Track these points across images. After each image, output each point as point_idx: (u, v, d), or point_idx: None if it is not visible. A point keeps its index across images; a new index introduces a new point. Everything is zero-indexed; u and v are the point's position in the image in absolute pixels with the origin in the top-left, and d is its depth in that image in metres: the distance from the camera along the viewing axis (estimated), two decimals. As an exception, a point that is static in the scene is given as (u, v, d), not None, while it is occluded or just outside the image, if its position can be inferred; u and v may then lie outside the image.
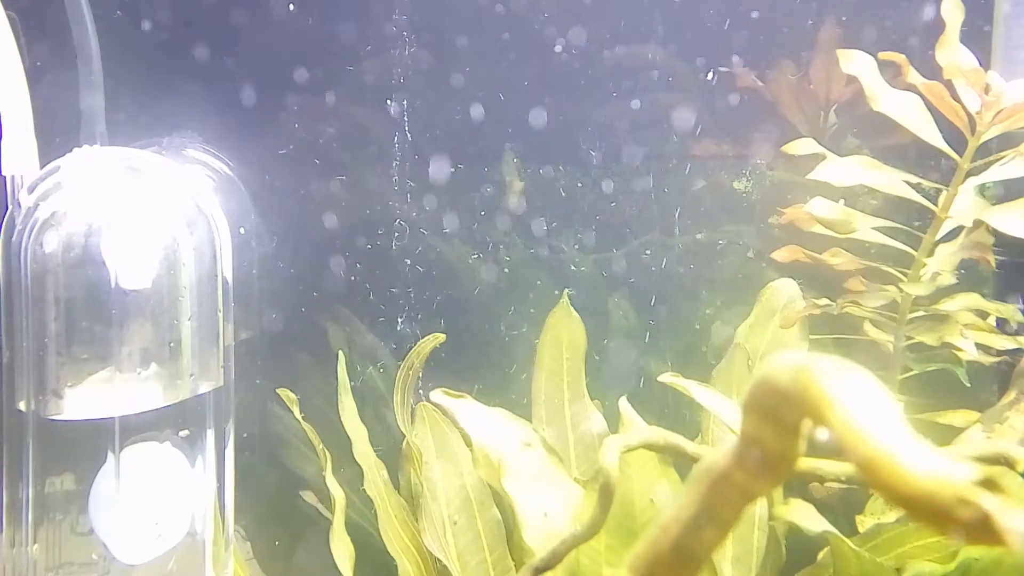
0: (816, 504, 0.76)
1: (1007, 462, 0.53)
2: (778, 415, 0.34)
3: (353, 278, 1.08)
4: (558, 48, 1.08)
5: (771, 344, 0.93)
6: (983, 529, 0.26)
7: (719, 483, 0.38)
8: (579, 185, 1.10)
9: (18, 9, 0.74)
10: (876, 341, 0.93)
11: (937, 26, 0.85)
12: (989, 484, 0.26)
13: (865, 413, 0.29)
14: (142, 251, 0.70)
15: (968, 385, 0.92)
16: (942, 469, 0.27)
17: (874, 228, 0.90)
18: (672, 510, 0.40)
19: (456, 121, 1.08)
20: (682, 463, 0.75)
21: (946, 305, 0.90)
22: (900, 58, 0.83)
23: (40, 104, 0.75)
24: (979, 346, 0.87)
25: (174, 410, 0.72)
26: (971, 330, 0.88)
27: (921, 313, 0.92)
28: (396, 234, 1.08)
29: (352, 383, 0.93)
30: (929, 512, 0.27)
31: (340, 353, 0.95)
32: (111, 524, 0.69)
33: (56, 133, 0.75)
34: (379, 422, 1.03)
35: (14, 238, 0.68)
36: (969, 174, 0.86)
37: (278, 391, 0.94)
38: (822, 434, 0.32)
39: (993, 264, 0.88)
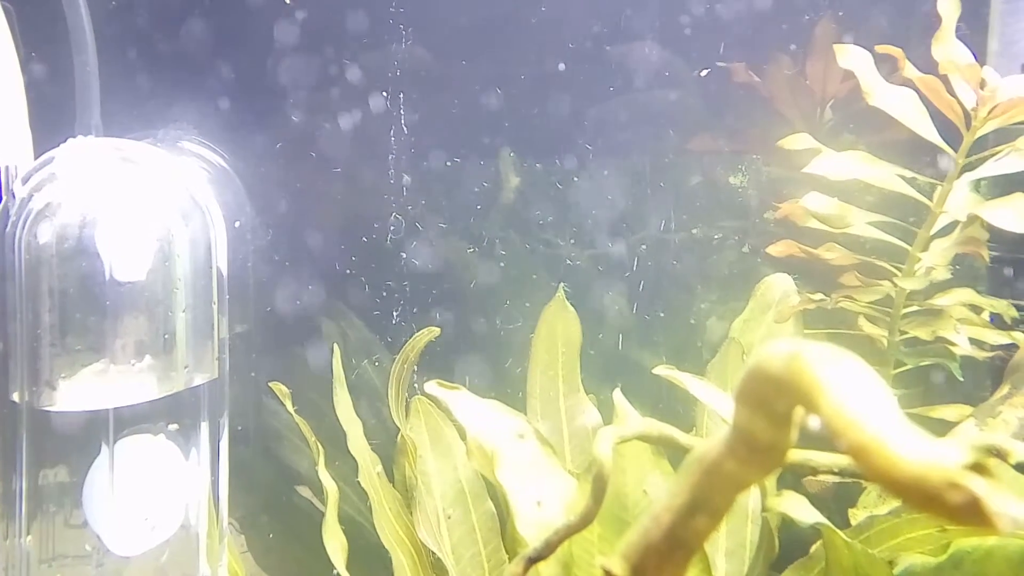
0: (809, 498, 0.76)
1: (1000, 454, 0.54)
2: (770, 403, 0.34)
3: (348, 271, 1.08)
4: (555, 43, 1.08)
5: (766, 339, 0.94)
6: (973, 513, 0.26)
7: (711, 472, 0.38)
8: (575, 180, 1.10)
9: (13, -1, 0.74)
10: (870, 336, 0.93)
11: (933, 22, 0.85)
12: (979, 468, 0.27)
13: (856, 399, 0.30)
14: (137, 243, 0.70)
15: (961, 380, 0.92)
16: (932, 454, 0.27)
17: (869, 223, 0.90)
18: (664, 499, 0.40)
19: (452, 115, 1.08)
20: (675, 455, 0.75)
21: (940, 300, 0.90)
22: (896, 51, 0.84)
23: (35, 94, 0.75)
24: (973, 341, 0.87)
25: (168, 402, 0.71)
26: (965, 325, 0.88)
27: (915, 308, 0.92)
28: (392, 228, 1.08)
29: (347, 377, 0.93)
30: (919, 496, 0.27)
31: (335, 346, 0.95)
32: (105, 516, 0.69)
33: (51, 123, 0.75)
34: (374, 416, 1.03)
35: (8, 229, 0.68)
36: (964, 169, 0.86)
37: (271, 384, 0.94)
38: (814, 422, 0.32)
39: (987, 259, 0.88)
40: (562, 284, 0.97)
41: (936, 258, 0.89)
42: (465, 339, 1.08)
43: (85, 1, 0.72)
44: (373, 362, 1.07)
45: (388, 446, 0.93)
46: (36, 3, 0.81)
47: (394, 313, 1.08)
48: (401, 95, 1.06)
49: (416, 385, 0.95)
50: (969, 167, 0.86)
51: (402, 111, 1.07)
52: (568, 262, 1.10)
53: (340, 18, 1.06)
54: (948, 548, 0.63)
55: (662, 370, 0.78)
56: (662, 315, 1.11)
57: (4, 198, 0.70)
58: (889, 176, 0.88)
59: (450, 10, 1.07)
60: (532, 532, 0.68)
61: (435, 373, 0.85)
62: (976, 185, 0.90)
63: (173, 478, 0.72)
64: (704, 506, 0.38)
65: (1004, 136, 0.86)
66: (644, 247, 1.10)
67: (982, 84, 0.83)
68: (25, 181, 0.69)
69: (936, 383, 0.95)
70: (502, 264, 1.10)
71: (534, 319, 0.94)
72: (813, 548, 0.76)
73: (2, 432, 0.68)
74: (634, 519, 0.74)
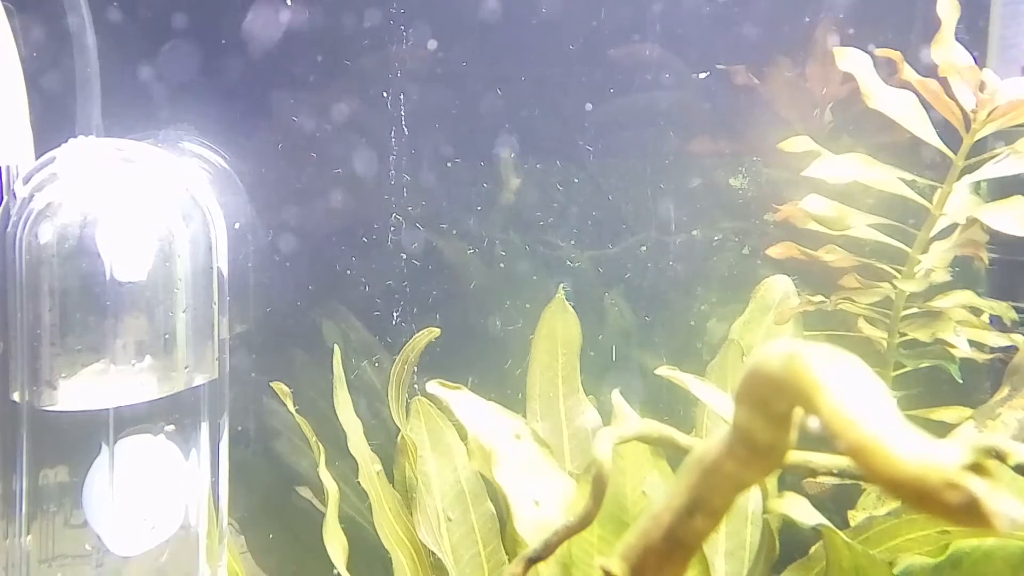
0: (808, 499, 0.76)
1: (999, 456, 0.53)
2: (769, 403, 0.35)
3: (349, 272, 1.08)
4: (555, 43, 1.08)
5: (765, 340, 0.94)
6: (972, 513, 0.26)
7: (710, 472, 0.38)
8: (575, 181, 1.10)
9: (14, -1, 0.74)
10: (870, 338, 0.94)
11: (933, 24, 0.85)
12: (978, 469, 0.27)
13: (855, 399, 0.30)
14: (137, 243, 0.70)
15: (961, 382, 0.92)
16: (931, 454, 0.27)
17: (869, 225, 0.90)
18: (663, 499, 0.40)
19: (453, 116, 1.08)
20: (675, 456, 0.75)
21: (940, 302, 0.91)
22: (895, 54, 0.84)
23: (36, 94, 0.75)
24: (972, 343, 0.88)
25: (168, 402, 0.71)
26: (964, 327, 0.88)
27: (915, 310, 0.92)
28: (392, 228, 1.08)
29: (347, 377, 0.93)
30: (918, 496, 0.27)
31: (335, 347, 0.95)
32: (105, 516, 0.69)
33: (52, 123, 0.75)
34: (374, 416, 1.03)
35: (9, 229, 0.68)
36: (964, 171, 0.87)
37: (272, 384, 0.94)
38: (813, 422, 0.32)
39: (986, 261, 0.88)
40: (562, 285, 0.97)
41: (936, 260, 0.89)
42: (465, 340, 1.08)
43: (86, 1, 0.72)
44: (373, 363, 1.07)
45: (388, 446, 0.93)
46: (37, 3, 0.81)
47: (394, 314, 1.09)
48: (402, 96, 1.07)
49: (416, 386, 0.95)
50: (968, 169, 0.86)
51: (403, 112, 1.07)
52: (568, 263, 1.10)
53: (341, 18, 1.06)
54: (947, 549, 0.63)
55: (663, 371, 0.78)
56: (662, 316, 1.11)
57: (5, 198, 0.70)
58: (889, 178, 0.88)
59: (451, 11, 1.07)
60: (531, 532, 0.68)
61: (435, 374, 0.85)
62: (976, 187, 0.90)
63: (173, 478, 0.72)
64: (703, 506, 0.38)
65: (1003, 138, 0.86)
66: (644, 248, 1.10)
67: (981, 86, 0.83)
68: (26, 181, 0.69)
69: (935, 385, 0.95)
70: (502, 265, 1.10)
71: (534, 320, 0.94)
72: (813, 549, 0.76)
73: (2, 432, 0.68)
74: (633, 520, 0.74)
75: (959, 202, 0.88)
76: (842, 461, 0.58)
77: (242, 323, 1.03)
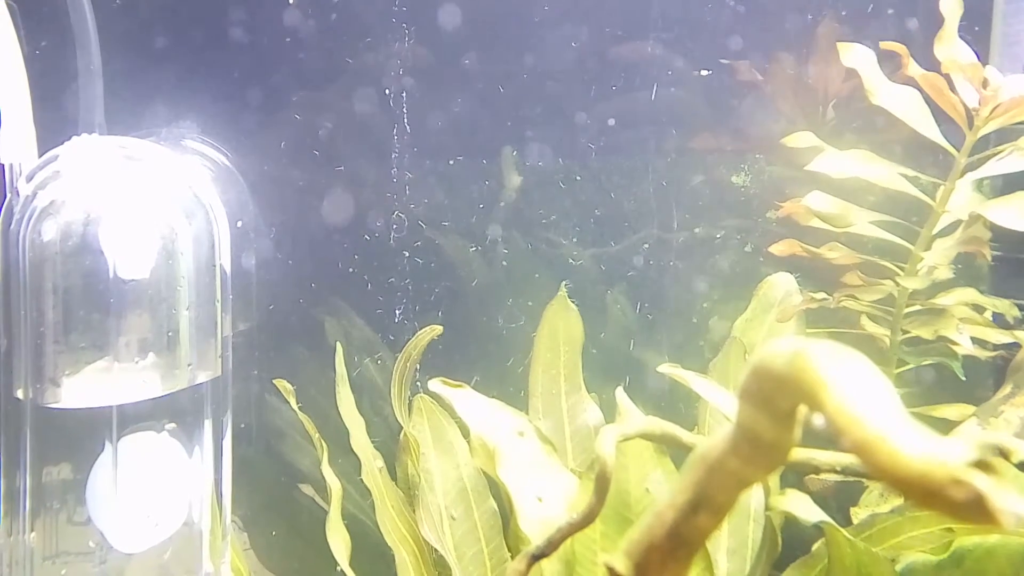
0: (811, 497, 0.77)
1: (1003, 453, 0.54)
2: (773, 401, 0.35)
3: (351, 270, 1.08)
4: (557, 41, 1.08)
5: (768, 338, 0.94)
6: (977, 509, 0.26)
7: (714, 469, 0.38)
8: (577, 179, 1.10)
9: (17, -3, 0.74)
10: (872, 335, 0.94)
11: (936, 22, 0.85)
12: (983, 465, 0.27)
13: (860, 396, 0.30)
14: (140, 240, 0.70)
15: (964, 379, 0.92)
16: (936, 450, 0.27)
17: (871, 222, 0.90)
18: (667, 496, 0.40)
19: (455, 114, 1.08)
20: (678, 453, 0.75)
21: (942, 299, 0.91)
22: (900, 48, 0.84)
23: (39, 92, 0.75)
24: (975, 340, 0.88)
25: (171, 400, 0.72)
26: (967, 324, 0.88)
27: (917, 307, 0.92)
28: (394, 226, 1.08)
29: (349, 375, 0.93)
30: (923, 493, 0.27)
31: (338, 344, 0.95)
32: (108, 513, 0.69)
33: (55, 121, 0.75)
34: (376, 414, 1.03)
35: (12, 226, 0.68)
36: (967, 168, 0.86)
37: (275, 381, 0.94)
38: (818, 419, 0.32)
39: (989, 258, 0.88)
40: (564, 283, 0.97)
41: (938, 257, 0.89)
42: (467, 338, 1.09)
43: (89, -1, 0.72)
44: (375, 360, 1.07)
45: (390, 444, 0.93)
46: (40, 1, 0.81)
47: (396, 311, 1.09)
48: (404, 94, 1.06)
49: (418, 383, 0.95)
50: (971, 166, 0.86)
51: (405, 110, 1.07)
52: (570, 261, 1.10)
53: (343, 17, 1.06)
54: (950, 546, 0.63)
55: (666, 368, 0.78)
56: (664, 314, 1.11)
57: (8, 196, 0.70)
58: (891, 175, 0.88)
59: (452, 9, 1.07)
60: (534, 529, 0.68)
61: (437, 371, 0.85)
62: (979, 184, 0.90)
63: (176, 475, 0.72)
64: (707, 504, 0.38)
65: (1006, 136, 0.86)
66: (646, 246, 1.10)
67: (985, 83, 0.83)
68: (29, 179, 0.70)
69: (938, 382, 0.95)
70: (504, 263, 1.10)
71: (536, 318, 0.94)
72: (815, 546, 0.76)
73: (6, 429, 0.68)
74: (637, 517, 0.74)
75: (962, 199, 0.88)
76: (846, 458, 0.58)
77: (245, 321, 1.03)
